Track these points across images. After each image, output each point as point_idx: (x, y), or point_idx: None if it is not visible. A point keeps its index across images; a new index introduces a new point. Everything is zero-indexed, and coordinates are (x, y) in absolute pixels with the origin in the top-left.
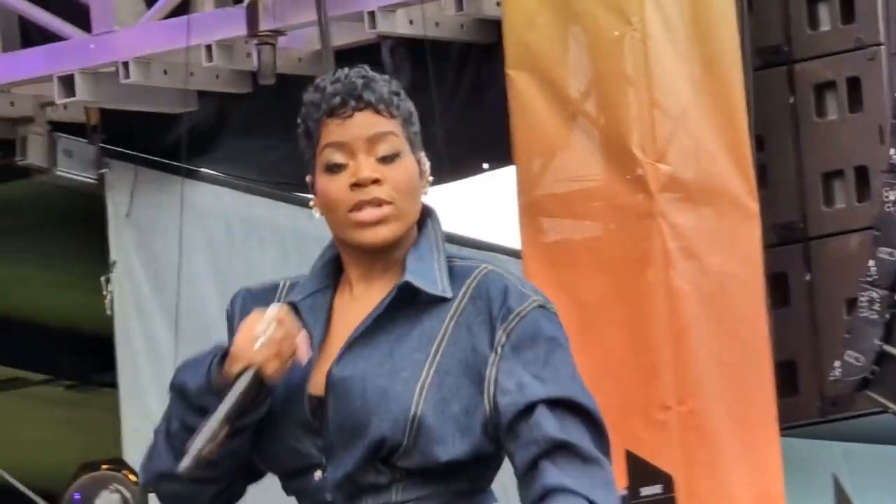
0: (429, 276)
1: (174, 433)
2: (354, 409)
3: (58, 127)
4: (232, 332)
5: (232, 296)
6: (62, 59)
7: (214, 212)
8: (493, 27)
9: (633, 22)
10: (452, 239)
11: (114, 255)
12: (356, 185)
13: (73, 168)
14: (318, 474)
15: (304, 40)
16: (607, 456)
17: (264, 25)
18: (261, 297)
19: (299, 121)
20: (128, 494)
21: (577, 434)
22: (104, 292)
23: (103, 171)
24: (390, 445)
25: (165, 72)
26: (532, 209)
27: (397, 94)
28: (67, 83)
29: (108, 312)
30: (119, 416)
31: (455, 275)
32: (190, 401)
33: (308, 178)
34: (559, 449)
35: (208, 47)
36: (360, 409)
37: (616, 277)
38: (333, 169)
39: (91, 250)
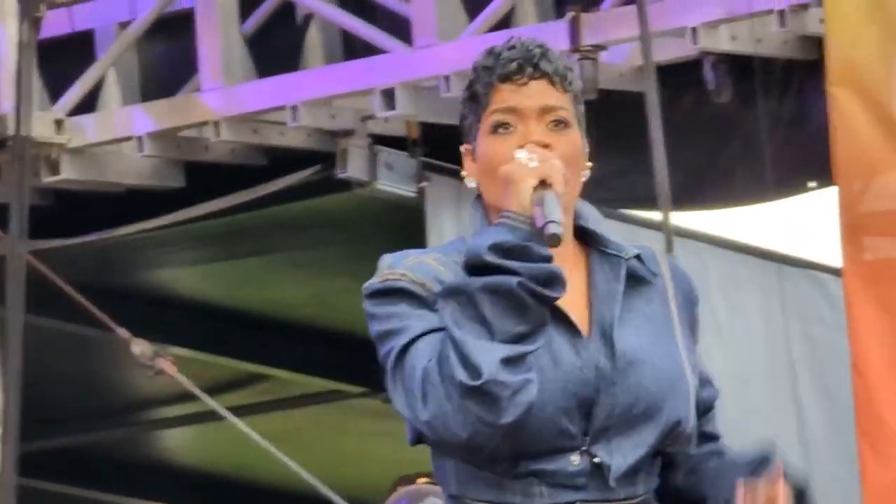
0: (627, 250)
1: (475, 321)
2: (648, 392)
3: (378, 140)
4: (413, 284)
5: (393, 268)
6: (383, 72)
7: None
8: (816, 44)
9: None
10: (776, 257)
11: None
12: (523, 148)
13: (394, 181)
14: (575, 458)
15: (625, 55)
16: None
17: (586, 40)
18: (426, 265)
19: (467, 85)
20: None
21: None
22: None
23: (423, 184)
24: (681, 429)
25: None
26: (854, 228)
27: (571, 70)
28: (388, 96)
29: None
30: None
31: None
32: (478, 258)
33: (464, 147)
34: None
35: None
36: (654, 392)
37: None
38: (501, 130)
39: None
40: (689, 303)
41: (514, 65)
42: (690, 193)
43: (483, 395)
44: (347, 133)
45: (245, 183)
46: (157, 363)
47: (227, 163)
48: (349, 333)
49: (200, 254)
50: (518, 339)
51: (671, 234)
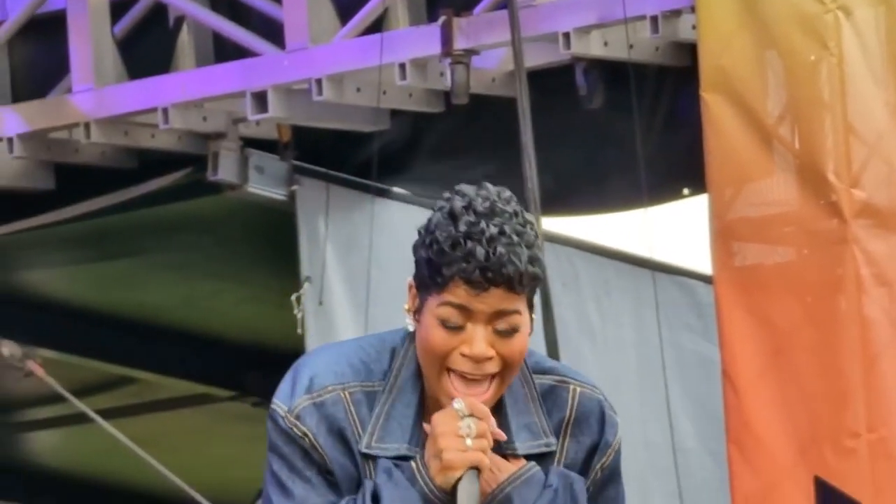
0: (533, 429)
1: None
2: None
3: (250, 143)
4: (315, 450)
5: (285, 415)
6: (255, 75)
7: (407, 232)
8: (689, 50)
9: (829, 46)
10: (649, 265)
11: (305, 272)
12: (466, 357)
13: (265, 184)
14: None
15: (497, 60)
16: None
17: (458, 44)
18: (343, 409)
19: (428, 236)
20: None
21: None
22: (295, 311)
23: (294, 188)
24: None
25: (358, 89)
26: (724, 233)
27: (535, 261)
28: (260, 99)
29: (299, 331)
30: None
31: (547, 400)
32: None
33: (410, 281)
34: None
35: (402, 66)
36: None
37: (808, 303)
38: (448, 326)
39: (281, 267)
40: (592, 449)
41: (477, 274)
42: (562, 199)
43: None
44: (219, 136)
45: (116, 185)
46: (26, 365)
47: (97, 165)
48: (218, 337)
49: (70, 255)
50: None
51: (542, 240)
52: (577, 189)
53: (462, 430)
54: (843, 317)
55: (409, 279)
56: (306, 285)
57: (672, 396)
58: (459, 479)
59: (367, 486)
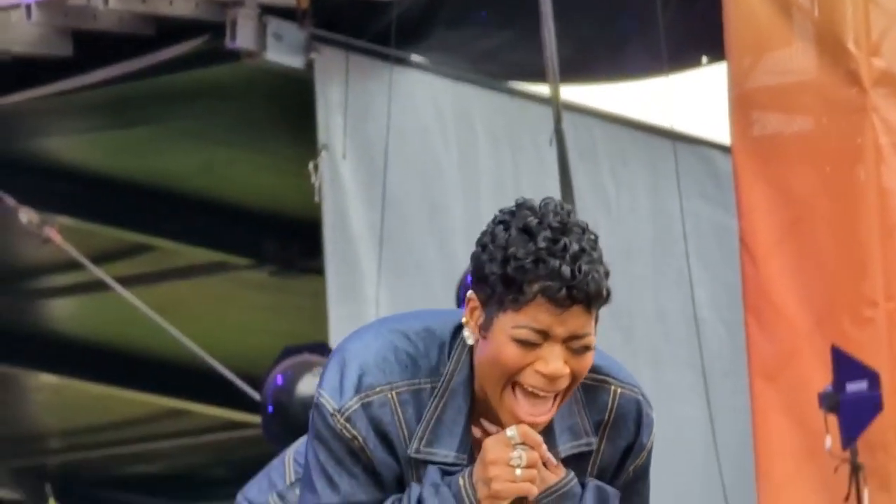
0: (575, 430)
1: None
2: None
3: (268, 10)
4: (363, 451)
5: (334, 414)
6: None
7: (425, 100)
8: None
9: None
10: (668, 134)
11: (322, 139)
12: (540, 374)
13: (283, 53)
14: None
15: None
16: None
17: None
18: (389, 411)
19: (499, 251)
20: None
21: None
22: (312, 178)
23: (313, 56)
24: None
25: None
26: (743, 102)
27: (606, 276)
28: None
29: (316, 199)
30: (323, 301)
31: (589, 400)
32: None
33: (472, 295)
34: None
35: None
36: None
37: (826, 172)
38: (525, 344)
39: (299, 135)
40: (627, 449)
41: (563, 292)
42: (581, 67)
43: None
44: (236, 3)
45: (133, 53)
46: (44, 232)
47: (115, 32)
48: (236, 205)
49: (88, 123)
50: None
51: (560, 108)
52: (596, 56)
53: (513, 460)
54: (862, 186)
55: (470, 293)
56: (323, 154)
57: (692, 265)
58: None
59: (413, 492)
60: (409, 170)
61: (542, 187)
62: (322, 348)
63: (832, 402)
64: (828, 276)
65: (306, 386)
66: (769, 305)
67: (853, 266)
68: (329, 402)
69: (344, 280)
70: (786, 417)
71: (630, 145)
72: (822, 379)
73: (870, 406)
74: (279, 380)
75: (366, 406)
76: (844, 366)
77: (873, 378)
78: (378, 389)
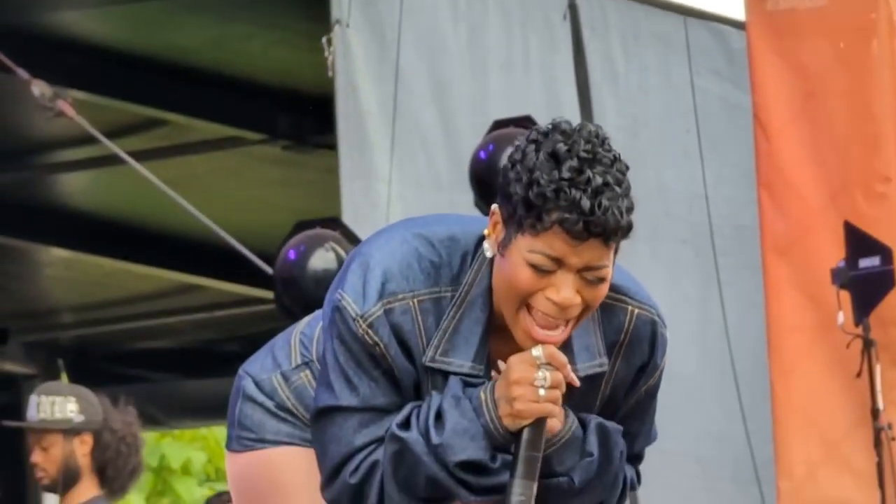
0: (591, 349)
1: (412, 485)
2: None
3: None
4: (384, 358)
5: (356, 319)
6: None
7: None
8: None
9: None
10: (681, 9)
11: (336, 14)
12: (552, 301)
13: None
14: None
15: None
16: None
17: None
18: (410, 318)
19: (526, 174)
20: (343, 253)
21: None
22: (325, 53)
23: None
24: None
25: None
26: None
27: (631, 211)
28: None
29: (329, 74)
30: (336, 176)
31: (605, 319)
32: (444, 460)
33: (495, 209)
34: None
35: None
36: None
37: (840, 47)
38: (538, 270)
39: (312, 10)
40: (641, 369)
41: (580, 225)
42: None
43: None
44: None
45: None
46: (57, 105)
47: None
48: (249, 79)
49: None
50: None
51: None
52: None
53: (538, 380)
54: (876, 61)
55: (495, 206)
56: (336, 28)
57: (703, 141)
58: (526, 424)
59: (434, 402)
60: (421, 42)
61: (552, 64)
62: (334, 223)
63: (845, 277)
64: (841, 152)
65: (318, 260)
66: (782, 181)
67: (866, 142)
68: (351, 307)
69: (356, 155)
70: (798, 293)
71: (642, 20)
72: (834, 255)
73: (882, 282)
74: (292, 254)
75: (388, 312)
76: (857, 241)
77: (886, 253)
78: (401, 297)
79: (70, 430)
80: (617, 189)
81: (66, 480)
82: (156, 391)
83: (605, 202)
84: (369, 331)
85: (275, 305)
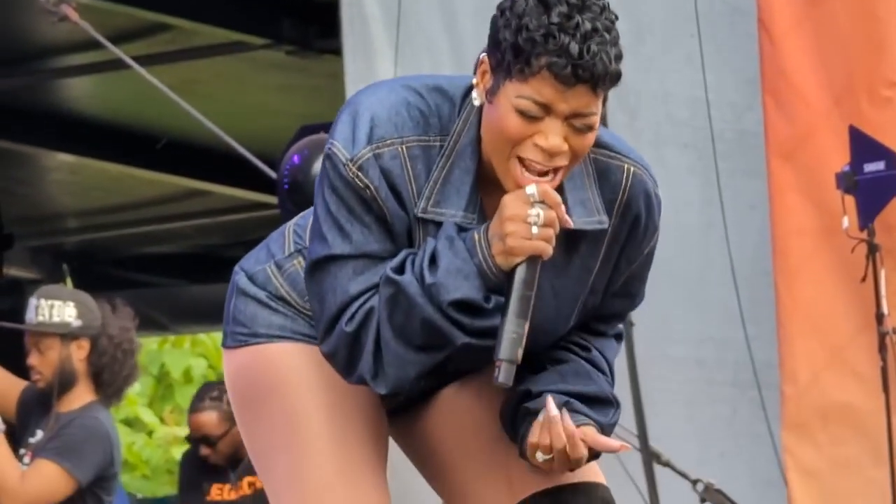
0: (587, 205)
1: (408, 331)
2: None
3: None
4: (375, 201)
5: (346, 164)
6: None
7: None
8: None
9: None
10: None
11: None
12: (539, 148)
13: None
14: None
15: None
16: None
17: None
18: (399, 164)
19: (514, 19)
20: None
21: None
22: None
23: None
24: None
25: None
26: None
27: (620, 60)
28: None
29: None
30: (340, 82)
31: (602, 178)
32: (437, 300)
33: (484, 56)
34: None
35: None
36: (532, 348)
37: None
38: (526, 116)
39: None
40: (638, 234)
41: (568, 70)
42: None
43: (377, 384)
44: None
45: None
46: (61, 9)
47: None
48: None
49: None
50: (434, 355)
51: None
52: None
53: (531, 217)
54: None
55: (483, 55)
56: None
57: (705, 46)
58: (519, 262)
59: (428, 246)
60: None
61: None
62: None
63: (849, 182)
64: (846, 56)
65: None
66: (787, 85)
67: (872, 46)
68: (341, 152)
69: (361, 60)
70: (803, 197)
71: None
72: (839, 159)
73: (887, 186)
74: (296, 158)
75: (377, 156)
76: (862, 145)
77: (891, 158)
78: (389, 141)
79: (67, 335)
80: (606, 35)
81: (62, 384)
82: (160, 296)
83: (593, 47)
84: (359, 174)
85: (279, 210)
